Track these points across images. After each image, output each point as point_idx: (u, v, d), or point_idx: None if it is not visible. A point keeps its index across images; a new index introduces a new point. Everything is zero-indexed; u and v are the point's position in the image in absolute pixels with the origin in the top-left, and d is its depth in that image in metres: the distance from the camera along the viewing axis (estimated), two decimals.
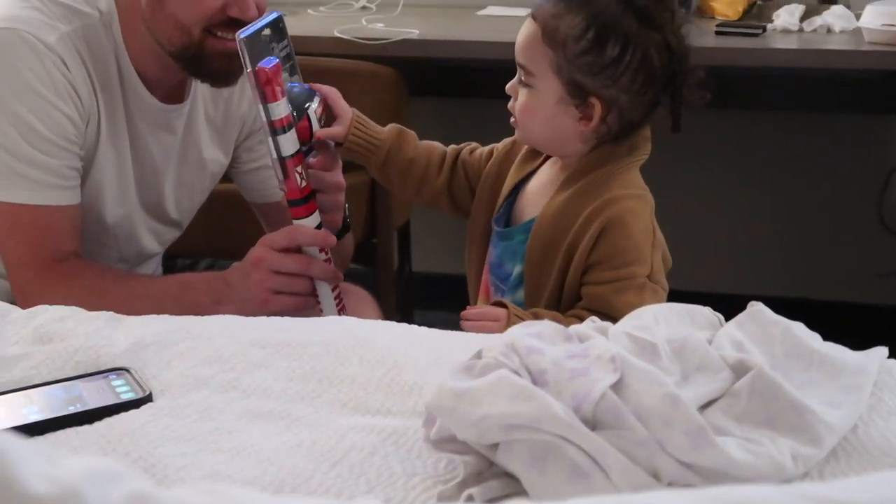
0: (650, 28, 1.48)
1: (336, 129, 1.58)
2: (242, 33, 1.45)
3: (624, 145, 1.54)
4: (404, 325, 1.35)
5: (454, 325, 1.45)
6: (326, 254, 1.55)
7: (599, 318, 1.20)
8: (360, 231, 2.51)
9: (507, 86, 1.56)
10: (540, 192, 1.60)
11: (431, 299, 3.24)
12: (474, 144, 1.69)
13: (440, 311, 3.28)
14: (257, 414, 1.14)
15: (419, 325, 1.36)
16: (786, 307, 1.30)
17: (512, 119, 1.57)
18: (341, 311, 1.57)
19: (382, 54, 2.49)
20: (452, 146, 1.68)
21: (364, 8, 2.92)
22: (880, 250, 2.90)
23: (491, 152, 1.67)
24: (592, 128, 1.51)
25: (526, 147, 1.63)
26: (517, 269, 1.57)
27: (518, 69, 1.54)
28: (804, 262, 3.00)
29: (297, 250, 1.54)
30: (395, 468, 1.03)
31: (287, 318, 1.37)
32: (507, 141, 1.67)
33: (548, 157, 1.63)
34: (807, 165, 2.94)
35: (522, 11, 2.83)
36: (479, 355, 1.05)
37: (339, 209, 1.62)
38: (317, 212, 1.53)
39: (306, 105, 1.50)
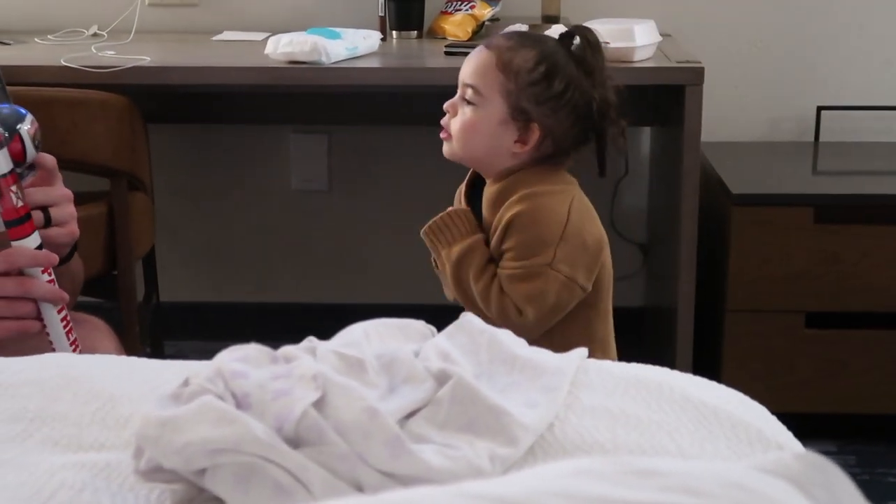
0: (586, 75, 1.71)
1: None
2: None
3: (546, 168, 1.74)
4: (124, 357, 1.33)
5: (207, 353, 1.44)
6: (50, 275, 1.52)
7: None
8: (99, 263, 2.45)
9: (447, 103, 1.74)
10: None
11: (183, 329, 3.21)
12: None
13: (193, 341, 3.24)
14: None
15: (171, 355, 1.35)
16: None
17: (443, 134, 1.76)
18: (69, 333, 1.55)
19: (114, 82, 2.45)
20: None
21: (95, 35, 2.86)
22: None
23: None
24: (527, 150, 1.72)
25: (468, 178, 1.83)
26: None
27: (462, 89, 1.73)
28: None
29: (19, 273, 1.51)
30: (104, 503, 1.02)
31: None
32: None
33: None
34: None
35: (258, 36, 2.83)
36: (186, 383, 1.06)
37: (74, 219, 1.60)
38: (36, 232, 1.51)
39: (17, 126, 1.47)
